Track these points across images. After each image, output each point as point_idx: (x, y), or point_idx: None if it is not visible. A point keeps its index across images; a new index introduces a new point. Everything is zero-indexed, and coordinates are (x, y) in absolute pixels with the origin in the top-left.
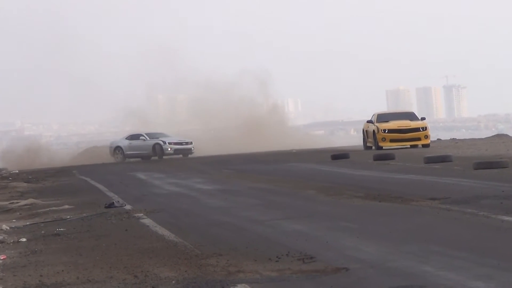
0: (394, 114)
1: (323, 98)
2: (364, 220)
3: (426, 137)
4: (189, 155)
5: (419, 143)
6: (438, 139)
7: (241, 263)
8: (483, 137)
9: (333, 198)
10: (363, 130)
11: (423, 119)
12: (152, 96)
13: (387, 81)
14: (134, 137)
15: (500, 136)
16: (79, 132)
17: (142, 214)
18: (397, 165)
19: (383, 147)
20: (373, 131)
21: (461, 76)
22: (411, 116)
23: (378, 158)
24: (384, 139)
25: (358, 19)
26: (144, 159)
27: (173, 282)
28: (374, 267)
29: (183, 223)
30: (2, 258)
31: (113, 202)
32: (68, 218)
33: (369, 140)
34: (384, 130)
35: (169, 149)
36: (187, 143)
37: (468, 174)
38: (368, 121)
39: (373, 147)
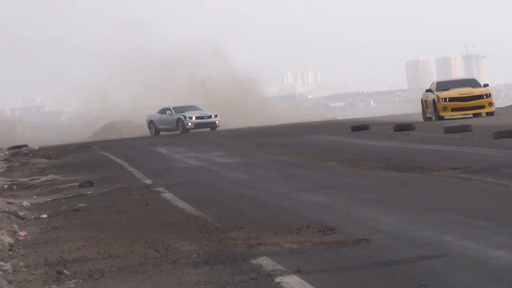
0: (455, 81)
1: (343, 69)
2: (384, 191)
3: (491, 104)
4: (215, 129)
5: (483, 111)
6: None
7: (262, 236)
8: (503, 106)
9: (353, 170)
10: (421, 100)
11: (486, 85)
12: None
13: (407, 52)
14: (163, 111)
15: None
16: (99, 108)
17: (162, 189)
18: (417, 135)
19: (445, 117)
20: (433, 100)
21: (480, 45)
22: (473, 83)
23: (398, 128)
24: (445, 109)
25: None
26: (172, 133)
27: (194, 255)
28: (395, 237)
29: (204, 197)
30: (23, 234)
31: (88, 180)
32: (88, 194)
33: (429, 110)
34: (445, 99)
35: (189, 123)
36: (209, 117)
37: (488, 144)
38: (427, 90)
39: (433, 118)
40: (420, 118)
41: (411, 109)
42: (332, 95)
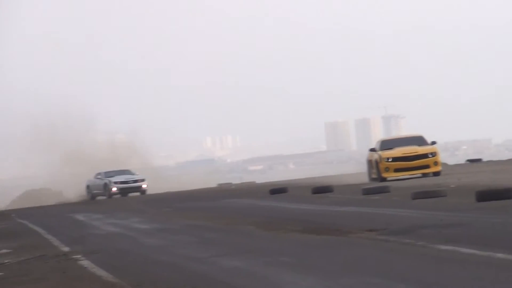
0: (400, 139)
1: (262, 132)
2: (302, 254)
3: (436, 163)
4: (144, 193)
5: (428, 171)
6: None
7: None
8: None
9: (271, 233)
10: (367, 160)
11: (433, 143)
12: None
13: (326, 114)
14: (97, 175)
15: None
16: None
17: (80, 256)
18: (336, 198)
19: (387, 178)
20: (376, 160)
21: (399, 106)
22: (419, 140)
23: (316, 191)
24: (387, 169)
25: (291, 52)
26: (101, 198)
27: None
28: None
29: (121, 264)
30: None
31: None
32: (6, 263)
33: (373, 171)
34: (387, 159)
35: (114, 188)
36: (135, 181)
37: (406, 204)
38: (371, 150)
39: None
40: (343, 180)
41: (331, 171)
42: (251, 158)
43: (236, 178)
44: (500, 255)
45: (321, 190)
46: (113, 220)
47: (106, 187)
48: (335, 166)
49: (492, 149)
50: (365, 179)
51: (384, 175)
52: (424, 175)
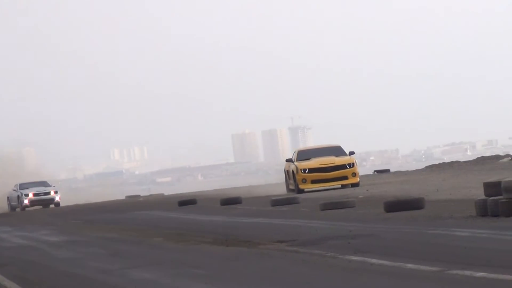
0: (318, 149)
1: (170, 144)
2: (212, 265)
3: (354, 174)
4: (58, 205)
5: (346, 182)
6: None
7: None
8: None
9: (181, 245)
10: (284, 170)
11: (351, 153)
12: None
13: (232, 125)
14: (14, 187)
15: None
16: None
17: None
18: (244, 209)
19: (305, 190)
20: (293, 171)
21: (306, 117)
22: (337, 150)
23: (225, 202)
24: (304, 181)
25: (197, 62)
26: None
27: None
28: None
29: (32, 276)
30: None
31: None
32: None
33: (291, 182)
34: (304, 170)
35: (25, 200)
36: (47, 193)
37: (315, 215)
38: (288, 160)
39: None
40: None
41: (238, 182)
42: (160, 171)
43: (144, 190)
44: (410, 265)
45: (229, 201)
46: (22, 232)
47: (19, 199)
48: (243, 178)
49: (400, 159)
50: (273, 190)
51: (302, 186)
52: (343, 186)
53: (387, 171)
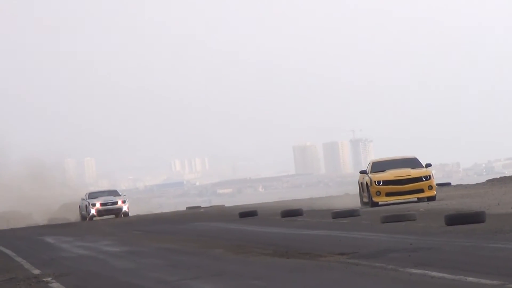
0: (393, 161)
1: (231, 156)
2: (273, 277)
3: (431, 187)
4: (127, 215)
5: (422, 195)
6: (346, 193)
7: None
8: None
9: (241, 256)
10: (358, 183)
11: (428, 166)
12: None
13: (294, 137)
14: (85, 196)
15: None
16: None
17: (50, 278)
18: (305, 221)
19: (379, 203)
20: (366, 183)
21: (367, 129)
22: (413, 162)
23: (286, 214)
24: (379, 193)
25: (259, 77)
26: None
27: None
28: None
29: (92, 286)
30: None
31: None
32: None
33: (365, 194)
34: (378, 182)
35: (92, 210)
36: (114, 203)
37: (376, 228)
38: (362, 172)
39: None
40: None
41: (299, 194)
42: (220, 182)
43: (205, 202)
44: (471, 278)
45: (290, 213)
46: (83, 243)
47: (87, 208)
48: (304, 190)
49: (461, 173)
50: (334, 202)
51: (376, 199)
52: (419, 199)
53: (448, 184)
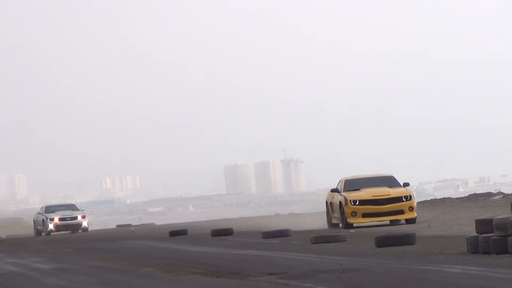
0: (368, 179)
1: (162, 174)
2: None
3: (411, 209)
4: (86, 231)
5: (402, 217)
6: (276, 213)
7: None
8: (321, 211)
9: (171, 275)
10: (326, 202)
11: (406, 185)
12: None
13: (225, 157)
14: (40, 210)
15: None
16: None
17: None
18: (235, 241)
19: (354, 224)
20: (340, 203)
21: (299, 150)
22: (390, 181)
23: (216, 233)
24: (354, 214)
25: (191, 95)
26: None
27: None
28: None
29: None
30: None
31: None
32: None
33: (335, 215)
34: (354, 202)
35: (50, 225)
36: (74, 218)
37: (306, 249)
38: (333, 190)
39: (341, 225)
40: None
41: (230, 214)
42: (151, 200)
43: (135, 220)
44: None
45: (220, 232)
46: (13, 259)
47: (44, 223)
48: (235, 209)
49: None
50: (266, 222)
51: (351, 220)
52: (393, 222)
53: None
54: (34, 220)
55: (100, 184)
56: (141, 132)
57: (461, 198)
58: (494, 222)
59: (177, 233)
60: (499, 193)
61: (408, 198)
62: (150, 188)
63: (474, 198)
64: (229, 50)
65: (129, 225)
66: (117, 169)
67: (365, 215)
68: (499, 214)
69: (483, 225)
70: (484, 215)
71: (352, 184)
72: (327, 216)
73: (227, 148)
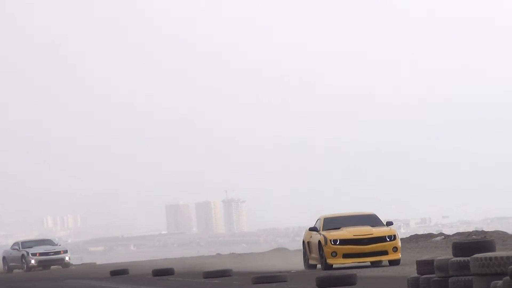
0: (348, 217)
1: (103, 213)
2: None
3: (396, 249)
4: (67, 267)
5: (385, 258)
6: (217, 253)
7: None
8: (263, 251)
9: None
10: (303, 242)
11: (389, 224)
12: None
13: (166, 196)
14: (14, 245)
15: (279, 250)
16: None
17: None
18: (176, 281)
19: (333, 265)
20: (319, 242)
21: (240, 190)
22: (371, 219)
23: (157, 273)
24: (334, 254)
25: (127, 133)
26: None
27: None
28: None
29: None
30: None
31: None
32: None
33: (313, 255)
34: (335, 241)
35: (32, 261)
36: (57, 253)
37: None
38: (311, 229)
39: (319, 266)
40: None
41: (171, 253)
42: (92, 239)
43: (76, 259)
44: None
45: (161, 272)
46: None
47: (24, 259)
48: (176, 249)
49: None
50: (206, 262)
51: (331, 261)
52: (375, 263)
53: None
54: (4, 257)
55: (41, 223)
56: (81, 171)
57: (402, 239)
58: (435, 263)
59: (118, 272)
60: (440, 234)
61: (392, 238)
62: (91, 228)
63: (415, 238)
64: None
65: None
66: (59, 208)
67: (346, 255)
68: (440, 255)
69: (424, 266)
70: (425, 256)
71: (331, 222)
72: (303, 256)
73: (169, 188)
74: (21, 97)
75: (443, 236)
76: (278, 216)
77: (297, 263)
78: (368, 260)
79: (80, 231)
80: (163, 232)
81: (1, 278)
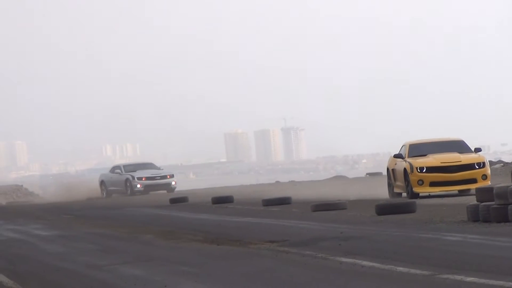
0: (435, 143)
1: (162, 142)
2: (203, 264)
3: (485, 177)
4: (172, 191)
5: (474, 186)
6: (276, 181)
7: None
8: (321, 179)
9: (171, 242)
10: (387, 169)
11: (478, 150)
12: None
13: (225, 125)
14: (115, 169)
15: (338, 178)
16: None
17: None
18: (235, 208)
19: (420, 194)
20: (404, 170)
21: (299, 117)
22: (459, 146)
23: (216, 201)
24: (421, 182)
25: (195, 59)
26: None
27: None
28: None
29: (22, 270)
30: None
31: None
32: None
33: (398, 183)
34: (421, 169)
35: (138, 185)
36: (163, 177)
37: (306, 216)
38: (396, 156)
39: (404, 194)
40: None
41: (230, 181)
42: None
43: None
44: (400, 268)
45: (221, 200)
46: (13, 226)
47: (129, 183)
48: (235, 177)
49: None
50: (265, 189)
51: (417, 189)
52: (463, 191)
53: (380, 174)
54: (103, 180)
55: (100, 152)
56: (139, 100)
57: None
58: (494, 191)
59: (178, 200)
60: (499, 161)
61: (482, 165)
62: (150, 156)
63: None
64: (228, 21)
65: None
66: (118, 136)
67: (433, 183)
68: (499, 182)
69: (484, 193)
70: None
71: (417, 149)
72: (388, 184)
73: (227, 116)
74: None
75: (502, 164)
76: (337, 144)
77: (357, 191)
78: (456, 188)
79: (139, 159)
80: (222, 160)
81: (66, 205)
